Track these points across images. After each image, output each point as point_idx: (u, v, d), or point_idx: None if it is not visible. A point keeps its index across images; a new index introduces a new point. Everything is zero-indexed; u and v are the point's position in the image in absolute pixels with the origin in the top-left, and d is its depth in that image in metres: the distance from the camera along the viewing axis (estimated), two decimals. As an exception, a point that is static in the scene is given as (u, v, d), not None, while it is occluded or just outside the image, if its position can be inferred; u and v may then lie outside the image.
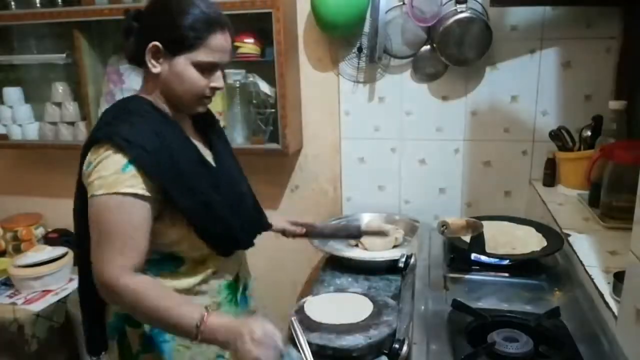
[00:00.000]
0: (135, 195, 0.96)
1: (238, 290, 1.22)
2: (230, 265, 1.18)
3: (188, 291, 1.10)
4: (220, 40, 1.04)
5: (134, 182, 0.96)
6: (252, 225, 1.24)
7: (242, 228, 1.15)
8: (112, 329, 1.14)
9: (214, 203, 1.07)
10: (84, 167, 1.02)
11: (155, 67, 1.03)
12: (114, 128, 0.99)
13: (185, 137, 1.09)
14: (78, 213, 1.08)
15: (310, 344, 1.16)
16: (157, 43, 1.01)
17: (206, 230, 1.07)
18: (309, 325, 1.23)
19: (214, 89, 1.07)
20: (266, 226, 1.34)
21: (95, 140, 1.01)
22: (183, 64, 1.02)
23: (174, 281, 1.08)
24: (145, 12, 1.06)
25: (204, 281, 1.12)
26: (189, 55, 1.01)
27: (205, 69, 1.04)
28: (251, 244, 1.22)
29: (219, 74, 1.07)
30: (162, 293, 0.99)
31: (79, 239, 1.09)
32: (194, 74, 1.03)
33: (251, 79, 1.82)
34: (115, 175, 0.96)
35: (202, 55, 1.02)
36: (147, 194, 0.98)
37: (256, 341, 0.90)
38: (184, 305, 0.98)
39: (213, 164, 1.14)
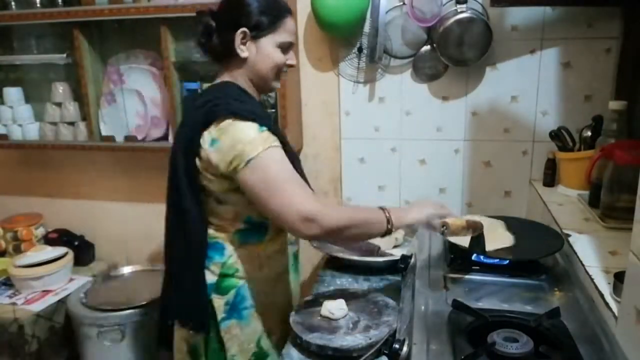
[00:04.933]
0: (280, 147, 1.13)
1: (298, 261, 1.42)
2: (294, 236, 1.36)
3: (269, 258, 1.27)
4: (291, 22, 1.23)
5: (273, 138, 1.12)
6: None
7: None
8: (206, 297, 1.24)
9: (296, 170, 1.20)
10: (206, 145, 1.12)
11: (244, 52, 1.19)
12: (230, 105, 1.12)
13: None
14: (184, 182, 1.17)
15: (310, 344, 1.16)
16: (244, 29, 1.16)
17: None
18: (309, 325, 1.23)
19: (289, 66, 1.26)
20: None
21: (213, 117, 1.12)
22: (269, 45, 1.20)
23: (259, 248, 1.25)
24: (221, 10, 1.21)
25: (282, 249, 1.31)
26: (273, 36, 1.19)
27: (285, 48, 1.22)
28: None
29: (292, 52, 1.25)
30: (347, 207, 1.27)
31: (181, 210, 1.19)
32: (277, 53, 1.21)
33: (251, 79, 1.83)
34: (260, 135, 1.10)
35: (283, 37, 1.21)
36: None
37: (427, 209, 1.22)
38: (367, 209, 1.20)
39: None
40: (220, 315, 1.22)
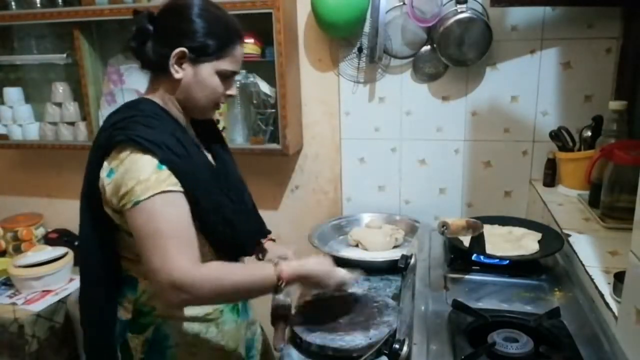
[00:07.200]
0: (178, 192, 0.97)
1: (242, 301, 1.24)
2: None
3: None
4: (241, 50, 1.09)
5: (173, 180, 0.97)
6: (256, 232, 1.26)
7: (247, 233, 1.17)
8: (114, 338, 1.12)
9: (225, 206, 1.08)
10: (104, 174, 1.00)
11: (178, 73, 1.03)
12: (133, 131, 0.97)
13: (194, 141, 1.11)
14: (86, 213, 1.08)
15: (310, 344, 1.16)
16: (184, 49, 1.01)
17: (217, 234, 1.07)
18: (309, 325, 1.23)
19: (228, 97, 1.12)
20: (266, 232, 1.34)
21: (112, 144, 0.98)
22: (208, 71, 1.05)
23: None
24: (162, 17, 1.06)
25: None
26: (215, 63, 1.05)
27: (226, 77, 1.08)
28: (253, 251, 1.27)
29: (233, 82, 1.12)
30: (233, 268, 1.03)
31: (84, 240, 1.10)
32: (216, 82, 1.06)
33: (251, 79, 1.82)
34: (155, 175, 0.95)
35: (226, 65, 1.06)
36: (182, 191, 0.99)
37: (326, 276, 1.12)
38: (257, 268, 1.05)
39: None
40: (137, 356, 1.09)
